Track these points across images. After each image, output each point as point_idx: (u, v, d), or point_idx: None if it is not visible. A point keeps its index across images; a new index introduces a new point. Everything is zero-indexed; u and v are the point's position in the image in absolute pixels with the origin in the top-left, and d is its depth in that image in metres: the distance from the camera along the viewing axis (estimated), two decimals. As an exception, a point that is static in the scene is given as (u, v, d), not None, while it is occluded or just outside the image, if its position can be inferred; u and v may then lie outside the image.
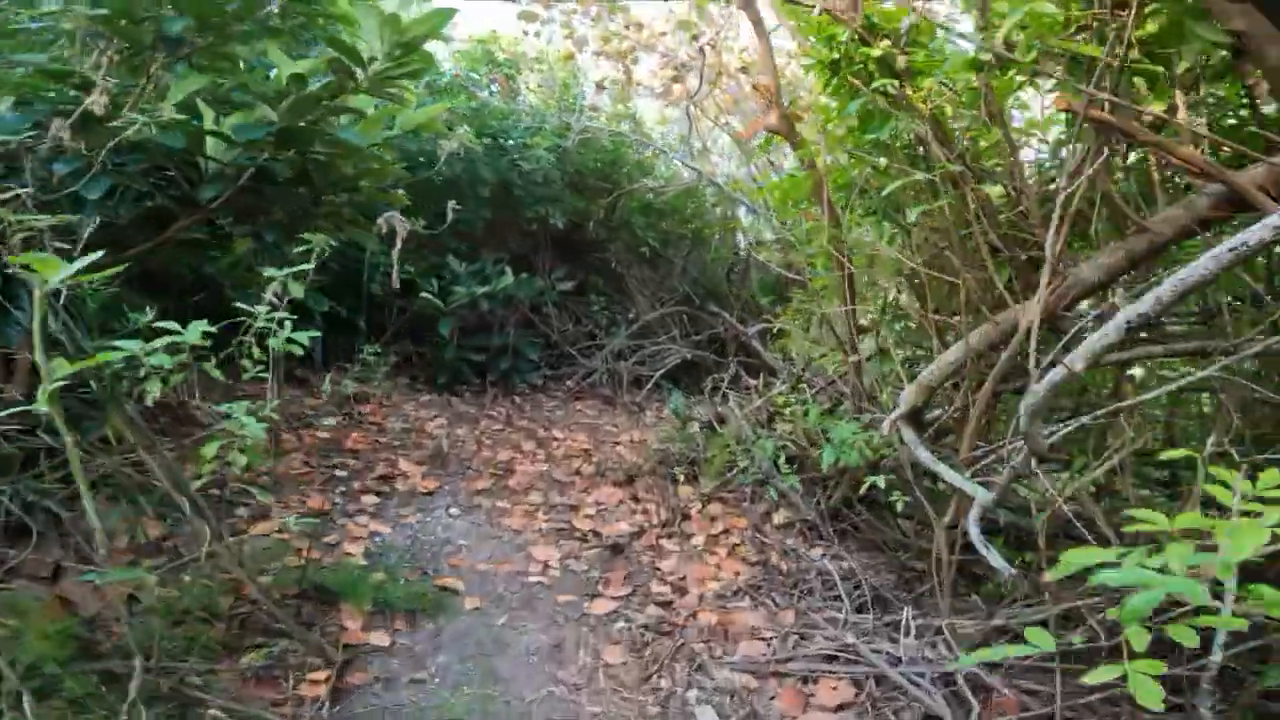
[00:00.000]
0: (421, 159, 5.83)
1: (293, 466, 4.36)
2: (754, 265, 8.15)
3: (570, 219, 7.15)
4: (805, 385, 5.08)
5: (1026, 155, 3.97)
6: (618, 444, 6.02)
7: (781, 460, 4.58)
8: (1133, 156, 3.22)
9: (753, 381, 7.76)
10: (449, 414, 5.96)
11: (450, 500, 4.51)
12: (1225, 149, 2.69)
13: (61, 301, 2.21)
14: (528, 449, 5.61)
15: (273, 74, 3.26)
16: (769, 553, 4.12)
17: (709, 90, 6.54)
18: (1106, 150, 2.40)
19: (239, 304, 2.55)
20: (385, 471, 4.66)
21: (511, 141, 6.40)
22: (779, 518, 4.54)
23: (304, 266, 2.64)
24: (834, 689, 2.77)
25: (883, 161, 3.72)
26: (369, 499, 4.25)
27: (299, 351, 2.54)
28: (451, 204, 4.54)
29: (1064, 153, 3.29)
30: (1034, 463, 2.32)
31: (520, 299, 6.46)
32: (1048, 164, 3.93)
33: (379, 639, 2.97)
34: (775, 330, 8.58)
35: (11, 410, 1.90)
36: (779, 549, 4.15)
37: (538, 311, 7.12)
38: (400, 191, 4.27)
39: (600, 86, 7.27)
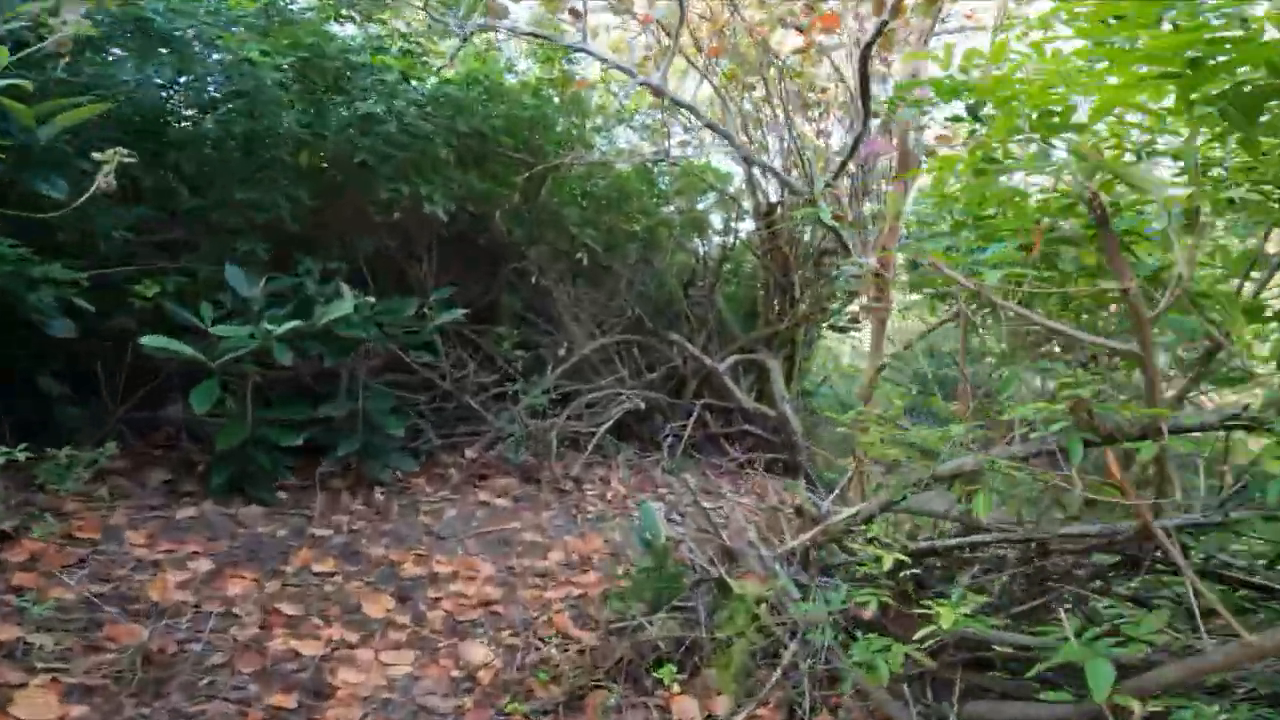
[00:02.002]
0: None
1: None
2: (743, 275, 5.65)
3: (465, 208, 4.43)
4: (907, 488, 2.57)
5: None
6: (547, 576, 3.37)
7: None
8: None
9: (741, 455, 5.34)
10: (226, 547, 3.11)
11: None
12: None
13: None
14: (376, 615, 2.87)
15: None
16: None
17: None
18: None
19: None
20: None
21: (352, 73, 3.64)
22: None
23: None
24: None
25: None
26: None
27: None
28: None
29: None
30: None
31: (375, 337, 3.68)
32: None
33: None
34: (751, 360, 6.19)
35: None
36: None
37: (414, 353, 4.33)
38: None
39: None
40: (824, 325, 5.96)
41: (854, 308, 6.10)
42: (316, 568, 3.16)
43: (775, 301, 5.53)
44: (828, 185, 2.88)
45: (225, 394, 3.14)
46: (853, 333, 6.16)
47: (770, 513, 3.45)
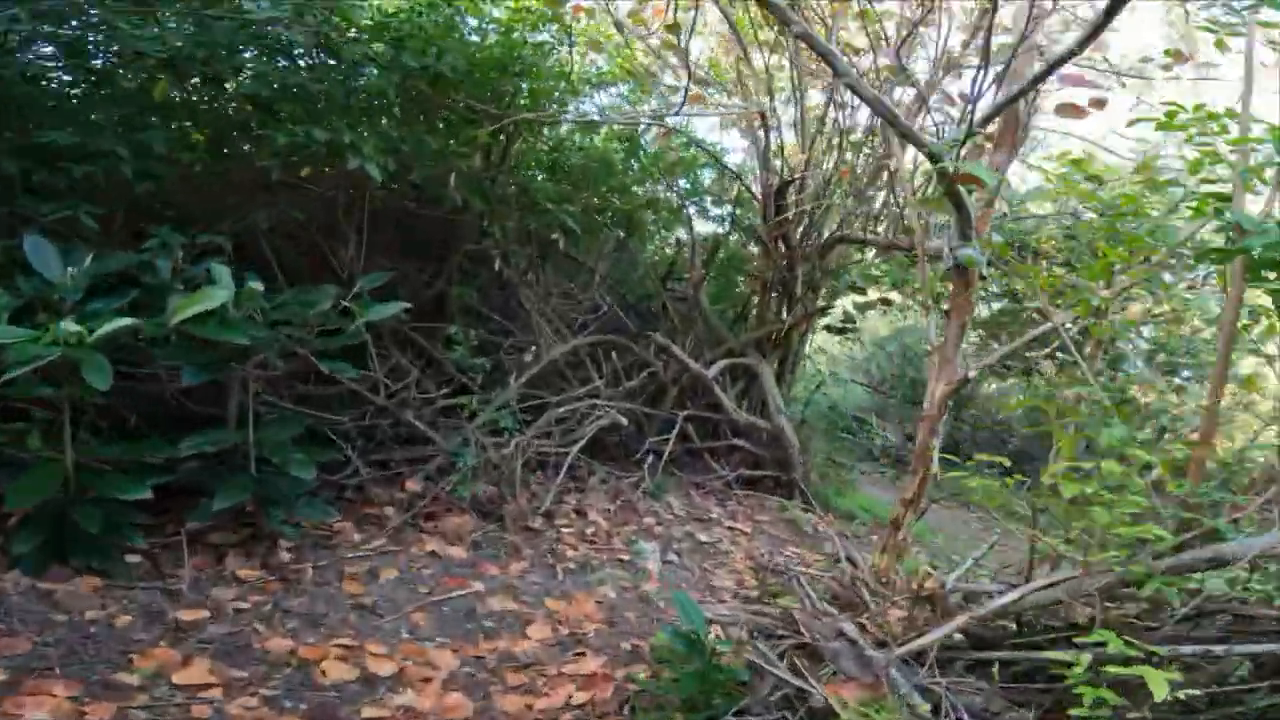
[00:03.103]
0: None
1: None
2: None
3: (410, 171, 3.34)
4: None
5: None
6: (532, 668, 2.38)
7: None
8: None
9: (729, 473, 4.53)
10: (30, 644, 1.95)
11: None
12: None
13: None
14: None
15: None
16: None
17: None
18: None
19: None
20: None
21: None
22: None
23: None
24: None
25: None
26: None
27: None
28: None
29: None
30: None
31: (264, 340, 2.56)
32: None
33: None
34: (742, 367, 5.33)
35: None
36: None
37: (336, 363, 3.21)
38: None
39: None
40: (821, 326, 5.18)
41: (844, 305, 5.39)
42: (179, 676, 2.05)
43: (772, 298, 4.70)
44: (969, 136, 2.06)
45: (31, 424, 1.98)
46: (849, 333, 5.41)
47: (839, 574, 2.56)
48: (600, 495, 4.23)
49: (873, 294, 5.05)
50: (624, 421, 4.35)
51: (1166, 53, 2.65)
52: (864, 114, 3.87)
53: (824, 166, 3.49)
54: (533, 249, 3.93)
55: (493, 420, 3.76)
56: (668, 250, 5.22)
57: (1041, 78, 2.16)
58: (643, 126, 3.82)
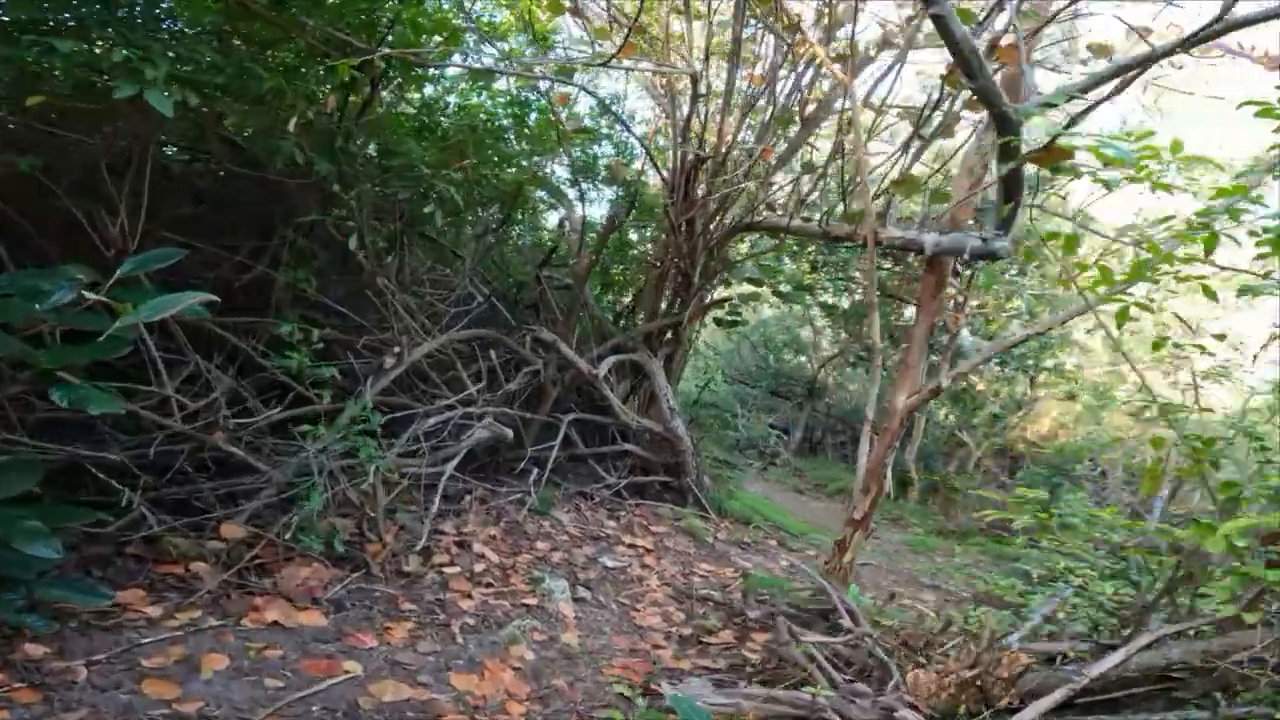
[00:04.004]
0: None
1: None
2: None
3: (223, 118, 2.41)
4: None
5: None
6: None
7: None
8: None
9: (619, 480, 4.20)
10: None
11: None
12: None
13: None
14: None
15: None
16: None
17: None
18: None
19: None
20: None
21: None
22: None
23: None
24: None
25: None
26: None
27: None
28: None
29: None
30: None
31: None
32: None
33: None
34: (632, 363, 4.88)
35: None
36: None
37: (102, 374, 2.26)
38: None
39: None
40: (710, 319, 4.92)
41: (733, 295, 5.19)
42: None
43: (668, 289, 4.32)
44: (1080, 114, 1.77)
45: None
46: (737, 325, 5.21)
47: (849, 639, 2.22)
48: (482, 519, 3.58)
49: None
50: (509, 433, 3.73)
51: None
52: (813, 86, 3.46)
53: (749, 143, 3.14)
54: (397, 225, 3.13)
55: (343, 439, 2.95)
56: (545, 233, 4.63)
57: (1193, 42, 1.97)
58: (539, 87, 3.19)
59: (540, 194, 4.04)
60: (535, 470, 4.07)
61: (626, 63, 2.84)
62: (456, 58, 2.85)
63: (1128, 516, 5.25)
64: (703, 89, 3.00)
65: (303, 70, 2.53)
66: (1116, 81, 2.08)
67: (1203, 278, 1.83)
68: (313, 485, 2.76)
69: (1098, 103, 2.08)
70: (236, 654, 2.11)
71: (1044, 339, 5.17)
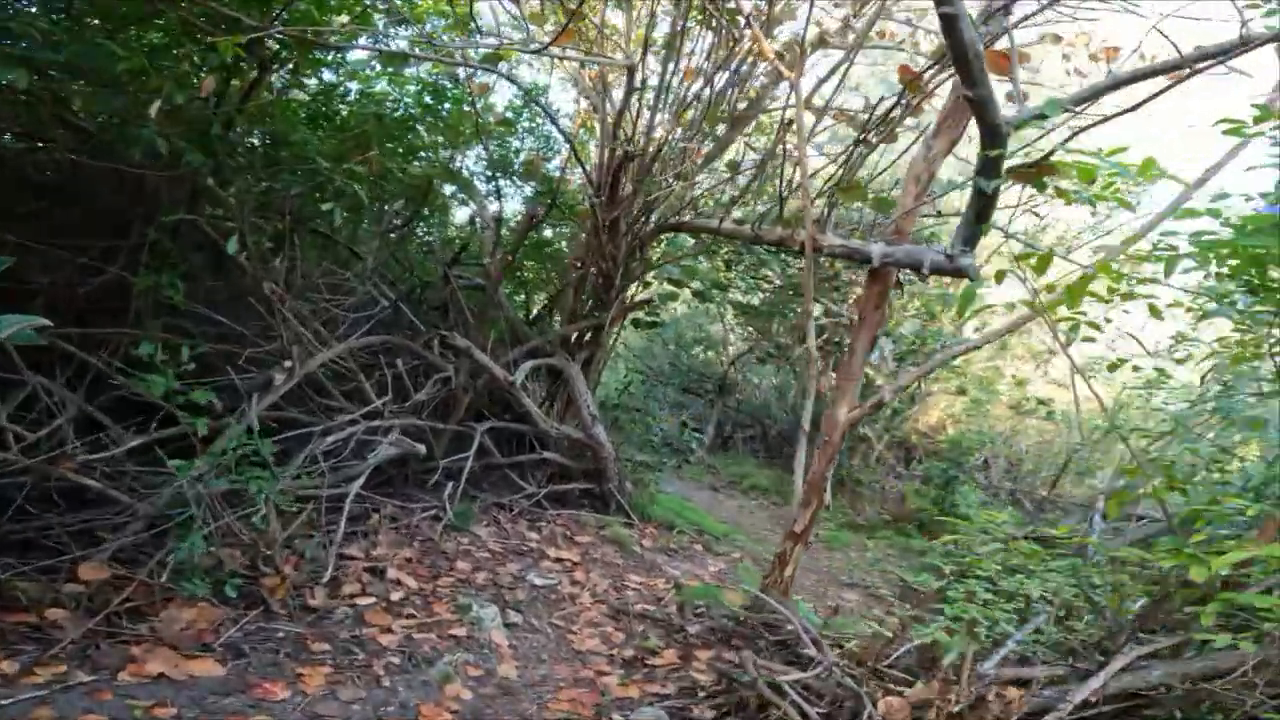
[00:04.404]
0: None
1: None
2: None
3: (69, 103, 2.01)
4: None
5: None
6: None
7: None
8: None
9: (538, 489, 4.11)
10: None
11: None
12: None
13: None
14: None
15: None
16: None
17: None
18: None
19: None
20: None
21: None
22: None
23: None
24: None
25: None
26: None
27: None
28: None
29: None
30: None
31: None
32: None
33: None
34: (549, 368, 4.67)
35: None
36: None
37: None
38: None
39: None
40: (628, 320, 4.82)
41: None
42: None
43: (587, 290, 4.18)
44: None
45: None
46: (655, 326, 5.16)
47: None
48: (394, 541, 3.30)
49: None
50: (420, 449, 3.46)
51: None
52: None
53: (679, 141, 3.04)
54: (286, 223, 2.78)
55: (223, 466, 2.59)
56: (454, 230, 4.35)
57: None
58: (458, 74, 2.93)
59: (450, 189, 3.77)
60: (449, 483, 3.82)
61: (559, 51, 2.65)
62: (365, 39, 2.54)
63: (1009, 505, 5.73)
64: (638, 82, 2.86)
65: (174, 50, 2.15)
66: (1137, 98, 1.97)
67: (1151, 296, 1.90)
68: (189, 518, 2.40)
69: (1109, 117, 1.94)
70: (120, 714, 1.79)
71: (942, 339, 5.51)
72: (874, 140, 2.46)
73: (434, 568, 3.20)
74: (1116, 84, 2.00)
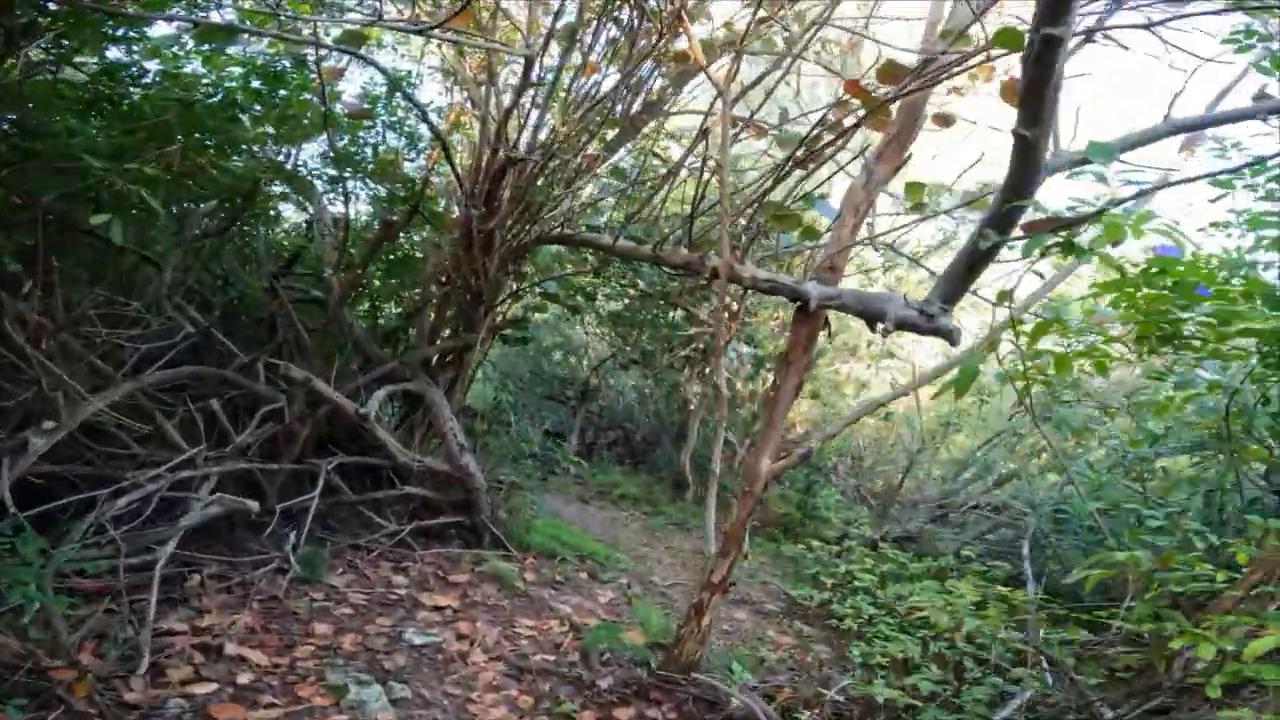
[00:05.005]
0: None
1: None
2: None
3: None
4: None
5: None
6: None
7: None
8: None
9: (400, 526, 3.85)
10: None
11: None
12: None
13: None
14: None
15: None
16: None
17: None
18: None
19: None
20: None
21: None
22: None
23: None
24: None
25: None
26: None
27: None
28: None
29: None
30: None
31: None
32: None
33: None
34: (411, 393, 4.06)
35: None
36: None
37: None
38: None
39: None
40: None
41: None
42: None
43: (452, 307, 3.73)
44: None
45: None
46: (525, 343, 4.82)
47: None
48: (227, 605, 2.67)
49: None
50: (252, 506, 2.82)
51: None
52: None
53: (573, 147, 2.70)
54: (40, 237, 2.05)
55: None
56: (284, 236, 3.66)
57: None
58: (305, 56, 2.35)
59: (282, 189, 3.12)
60: (290, 529, 3.21)
61: (452, 34, 2.19)
62: (179, 9, 1.91)
63: (852, 503, 6.18)
64: (535, 75, 2.49)
65: None
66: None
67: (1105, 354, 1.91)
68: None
69: (1182, 180, 1.72)
70: None
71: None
72: (811, 160, 2.25)
73: (285, 635, 2.64)
74: (1176, 130, 1.81)
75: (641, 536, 5.40)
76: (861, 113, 2.03)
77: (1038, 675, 2.18)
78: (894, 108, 2.08)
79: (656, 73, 2.67)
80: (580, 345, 9.02)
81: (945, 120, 2.20)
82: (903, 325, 2.06)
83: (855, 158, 2.20)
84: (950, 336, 1.98)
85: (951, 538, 4.25)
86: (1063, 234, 1.66)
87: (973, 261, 1.90)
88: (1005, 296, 1.77)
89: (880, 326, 2.10)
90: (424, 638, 2.81)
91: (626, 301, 6.82)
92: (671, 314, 6.81)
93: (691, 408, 6.52)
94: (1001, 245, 1.81)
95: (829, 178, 2.23)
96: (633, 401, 8.44)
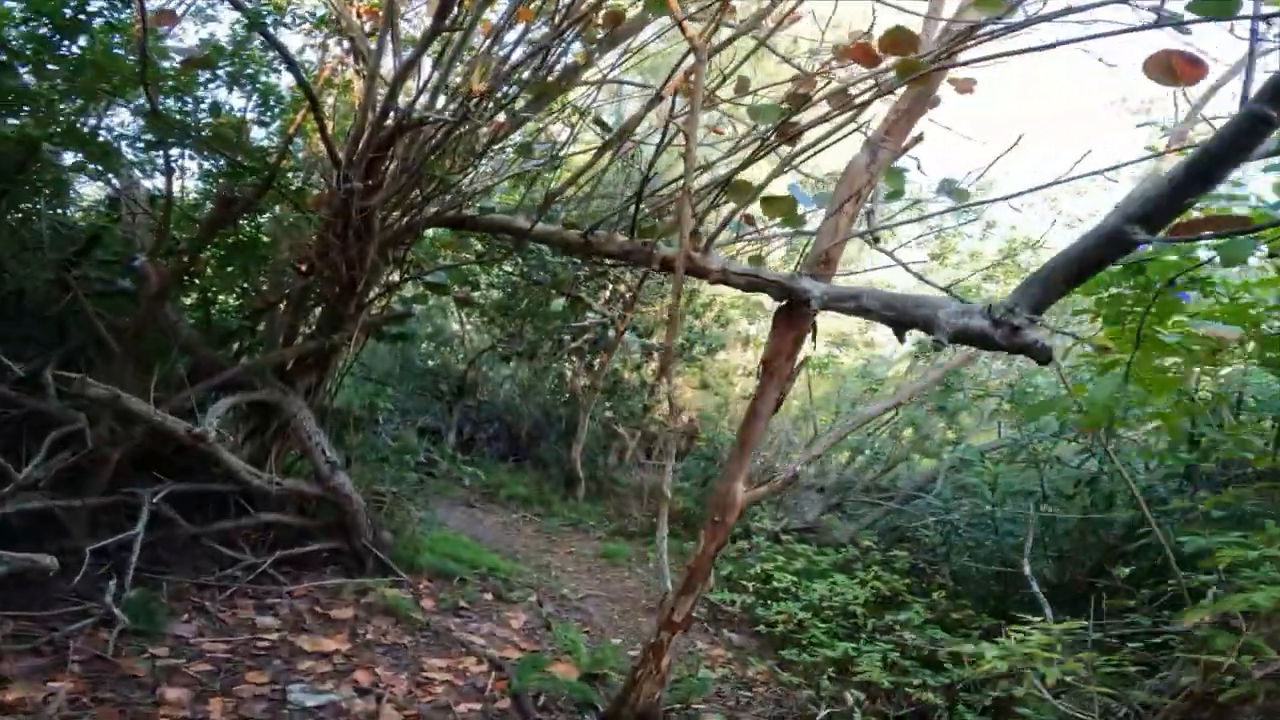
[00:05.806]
0: None
1: None
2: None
3: None
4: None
5: None
6: None
7: None
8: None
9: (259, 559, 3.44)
10: None
11: None
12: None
13: None
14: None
15: None
16: None
17: None
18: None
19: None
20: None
21: None
22: None
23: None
24: None
25: None
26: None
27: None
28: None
29: None
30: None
31: None
32: None
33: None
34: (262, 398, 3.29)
35: None
36: None
37: None
38: None
39: None
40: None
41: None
42: None
43: (312, 300, 3.14)
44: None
45: None
46: (405, 340, 4.28)
47: None
48: (35, 671, 2.02)
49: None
50: (52, 563, 2.14)
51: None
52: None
53: (481, 112, 2.24)
54: None
55: None
56: (81, 215, 2.86)
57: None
58: None
59: (76, 157, 2.36)
60: (111, 574, 2.54)
61: None
62: None
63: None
64: (450, 21, 1.99)
65: None
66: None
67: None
68: None
69: None
70: None
71: (709, 341, 5.71)
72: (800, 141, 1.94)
73: (126, 705, 2.04)
74: None
75: (539, 541, 5.07)
76: (870, 83, 1.78)
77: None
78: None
79: (584, 33, 2.32)
80: (454, 337, 8.37)
81: (965, 86, 2.00)
82: (966, 338, 1.49)
83: (833, 133, 1.95)
84: (1040, 355, 1.45)
85: (848, 528, 4.40)
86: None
87: (1090, 261, 1.39)
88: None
89: (928, 339, 1.60)
90: (316, 697, 2.32)
91: (509, 290, 6.37)
92: (555, 302, 6.48)
93: (581, 401, 6.25)
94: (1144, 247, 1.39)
95: (806, 157, 1.99)
96: (514, 394, 7.99)
